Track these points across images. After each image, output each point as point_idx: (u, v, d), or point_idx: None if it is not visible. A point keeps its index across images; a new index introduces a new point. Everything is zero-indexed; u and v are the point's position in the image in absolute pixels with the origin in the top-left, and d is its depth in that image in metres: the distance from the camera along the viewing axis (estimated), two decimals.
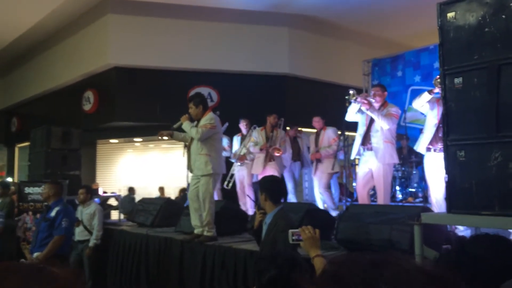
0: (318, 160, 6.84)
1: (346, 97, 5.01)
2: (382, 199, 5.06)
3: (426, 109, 4.83)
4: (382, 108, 5.14)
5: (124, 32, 9.70)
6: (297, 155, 7.56)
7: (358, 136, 5.24)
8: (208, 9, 9.75)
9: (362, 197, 5.22)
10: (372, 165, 5.10)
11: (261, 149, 6.83)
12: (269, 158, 6.87)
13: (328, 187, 6.88)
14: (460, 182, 2.52)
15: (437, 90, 4.67)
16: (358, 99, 4.99)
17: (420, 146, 4.93)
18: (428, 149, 4.83)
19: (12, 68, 14.05)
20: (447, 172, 2.58)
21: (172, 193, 10.07)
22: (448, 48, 2.62)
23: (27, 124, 12.98)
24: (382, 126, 4.99)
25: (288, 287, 1.83)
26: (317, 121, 7.14)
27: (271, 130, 7.01)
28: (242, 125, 7.34)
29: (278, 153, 6.81)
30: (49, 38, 11.55)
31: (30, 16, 10.23)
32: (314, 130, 8.93)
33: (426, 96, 4.71)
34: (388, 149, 5.05)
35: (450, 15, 2.60)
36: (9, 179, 13.62)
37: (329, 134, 6.89)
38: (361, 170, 5.25)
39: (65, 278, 0.73)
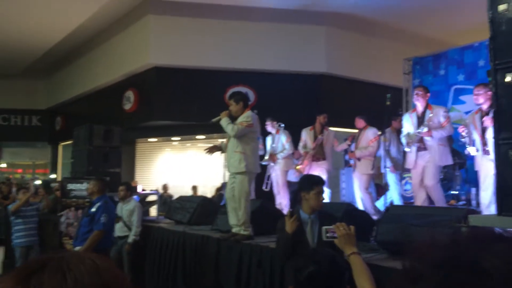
0: (358, 159, 6.71)
1: (388, 95, 4.93)
2: (436, 200, 5.02)
3: (473, 136, 4.77)
4: (428, 111, 5.07)
5: (164, 32, 9.86)
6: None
7: (413, 147, 5.20)
8: (246, 8, 9.77)
9: (420, 199, 5.16)
10: (424, 164, 5.06)
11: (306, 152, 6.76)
12: (318, 157, 6.77)
13: (366, 189, 6.71)
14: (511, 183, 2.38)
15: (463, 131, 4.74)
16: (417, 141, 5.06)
17: (477, 162, 4.85)
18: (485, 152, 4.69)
19: (57, 69, 14.58)
20: (497, 173, 2.44)
21: (208, 192, 10.15)
22: (500, 42, 2.49)
23: (70, 123, 13.43)
24: (448, 135, 5.04)
25: (327, 283, 1.78)
26: (357, 121, 6.96)
27: (321, 129, 6.90)
28: (268, 125, 7.25)
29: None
30: (91, 39, 11.91)
31: (73, 18, 10.57)
32: (351, 130, 8.82)
33: (472, 150, 4.69)
34: (444, 151, 5.06)
35: (502, 7, 2.47)
36: (53, 176, 14.14)
37: (368, 135, 6.72)
38: (415, 171, 5.16)
39: (107, 268, 0.72)
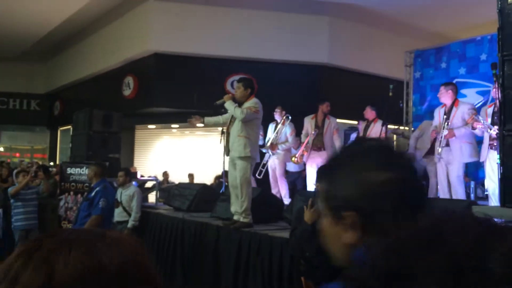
0: None
1: (391, 86, 4.93)
2: (456, 195, 5.09)
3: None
4: (455, 108, 5.10)
5: (165, 18, 9.79)
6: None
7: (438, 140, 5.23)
8: None
9: (444, 193, 5.22)
10: (449, 161, 5.11)
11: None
12: (318, 146, 6.74)
13: None
14: None
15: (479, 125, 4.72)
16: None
17: (482, 155, 4.90)
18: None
19: (56, 53, 14.47)
20: (502, 164, 2.44)
21: (206, 180, 10.14)
22: (508, 32, 2.48)
23: (69, 108, 13.36)
24: (478, 134, 5.03)
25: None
26: (369, 111, 6.82)
27: (323, 118, 6.87)
28: (277, 113, 7.23)
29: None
30: (92, 23, 11.80)
31: (74, 2, 10.46)
32: (352, 122, 8.81)
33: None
34: (467, 148, 5.08)
35: None
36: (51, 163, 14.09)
37: (378, 128, 6.54)
38: (440, 165, 5.21)
39: (129, 241, 0.71)
